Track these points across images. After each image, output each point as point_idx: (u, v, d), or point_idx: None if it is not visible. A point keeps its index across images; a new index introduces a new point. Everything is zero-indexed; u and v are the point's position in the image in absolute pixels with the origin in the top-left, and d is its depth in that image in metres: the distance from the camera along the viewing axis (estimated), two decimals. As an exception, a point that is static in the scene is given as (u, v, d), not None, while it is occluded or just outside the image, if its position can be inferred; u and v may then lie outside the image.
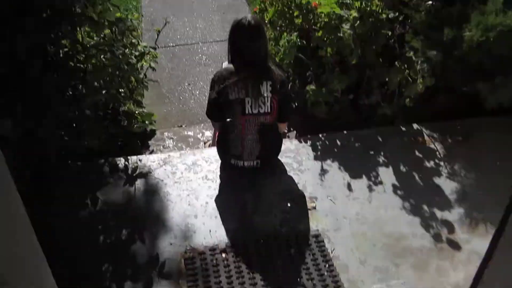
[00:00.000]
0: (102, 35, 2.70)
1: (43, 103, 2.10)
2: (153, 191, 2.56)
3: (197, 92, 4.19)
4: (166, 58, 4.79)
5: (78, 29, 2.36)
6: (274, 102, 2.34)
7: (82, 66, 2.38)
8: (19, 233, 1.01)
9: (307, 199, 2.46)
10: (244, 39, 2.34)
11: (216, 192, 2.53)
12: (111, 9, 2.68)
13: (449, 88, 3.40)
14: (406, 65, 3.06)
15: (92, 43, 2.53)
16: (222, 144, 2.57)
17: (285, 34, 3.33)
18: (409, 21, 3.10)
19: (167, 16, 5.80)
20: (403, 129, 3.10)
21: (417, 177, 2.62)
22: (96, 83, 2.50)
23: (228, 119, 2.39)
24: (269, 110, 2.34)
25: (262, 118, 2.35)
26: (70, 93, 2.41)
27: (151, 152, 3.19)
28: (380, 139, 2.99)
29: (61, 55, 2.21)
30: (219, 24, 5.68)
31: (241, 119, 2.36)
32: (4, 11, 1.79)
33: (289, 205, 2.42)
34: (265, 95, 2.30)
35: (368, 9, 2.99)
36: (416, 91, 3.03)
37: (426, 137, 3.01)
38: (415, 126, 3.13)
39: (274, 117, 2.39)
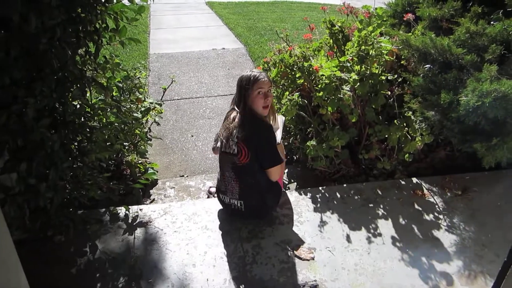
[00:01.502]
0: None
1: (47, 160, 2.15)
2: (152, 240, 2.56)
3: (200, 144, 4.27)
4: (171, 111, 4.93)
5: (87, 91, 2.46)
6: (241, 147, 2.53)
7: (88, 123, 2.45)
8: None
9: (305, 249, 2.45)
10: (241, 89, 2.61)
11: (216, 241, 2.53)
12: (120, 73, 2.83)
13: (448, 144, 3.47)
14: (405, 124, 3.15)
15: (99, 103, 2.62)
16: (218, 179, 2.79)
17: (287, 93, 3.45)
18: (407, 83, 3.21)
19: (174, 72, 6.06)
20: (403, 182, 3.14)
21: (416, 230, 2.62)
22: (101, 140, 2.56)
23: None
24: (235, 153, 2.55)
25: (233, 158, 2.56)
26: (75, 148, 2.46)
27: (152, 201, 3.21)
28: (379, 192, 3.02)
29: (69, 114, 2.28)
30: (224, 79, 5.87)
31: (221, 154, 2.65)
32: (19, 74, 1.88)
33: (289, 254, 2.41)
34: (233, 139, 2.55)
35: (368, 72, 3.10)
36: (415, 148, 3.10)
37: (425, 191, 3.03)
38: (414, 180, 3.17)
39: (244, 161, 2.54)
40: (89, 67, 2.52)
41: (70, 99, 2.32)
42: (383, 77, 3.20)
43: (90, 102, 2.49)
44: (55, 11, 1.95)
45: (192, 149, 4.17)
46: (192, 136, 4.43)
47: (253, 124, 2.55)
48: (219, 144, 2.67)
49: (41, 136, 2.03)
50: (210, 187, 3.35)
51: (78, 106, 2.40)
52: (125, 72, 3.24)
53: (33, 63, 1.98)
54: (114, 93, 3.05)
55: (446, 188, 3.05)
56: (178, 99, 5.24)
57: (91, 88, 2.38)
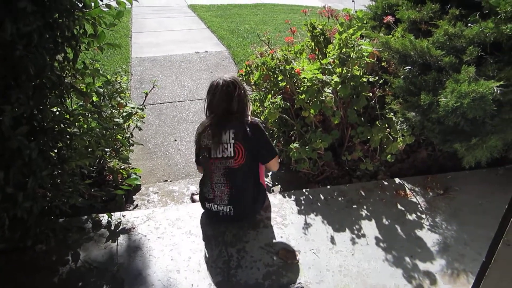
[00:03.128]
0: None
1: (25, 169, 2.11)
2: (135, 247, 2.53)
3: (183, 148, 4.25)
4: (154, 115, 4.90)
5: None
6: (238, 147, 2.54)
7: (68, 129, 2.41)
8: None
9: (290, 252, 2.45)
10: (209, 96, 2.65)
11: (200, 246, 2.52)
12: (100, 78, 2.80)
13: (429, 144, 3.51)
14: (386, 125, 3.18)
15: (79, 109, 2.58)
16: (200, 188, 2.74)
17: (269, 96, 3.45)
18: (388, 84, 3.25)
19: (156, 75, 6.02)
20: (385, 183, 3.17)
21: (399, 230, 2.64)
22: (81, 147, 2.52)
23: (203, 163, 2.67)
24: (232, 155, 2.54)
25: (227, 162, 2.55)
26: (55, 156, 2.42)
27: (135, 207, 3.18)
28: (362, 193, 3.03)
29: (47, 121, 2.24)
30: (206, 82, 5.85)
31: (209, 162, 2.59)
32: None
33: (274, 257, 2.41)
34: (227, 141, 2.54)
35: (349, 74, 3.12)
36: (397, 149, 3.13)
37: (408, 191, 3.06)
38: (397, 180, 3.20)
39: (239, 162, 2.55)
40: (68, 73, 2.48)
41: (48, 106, 2.27)
42: (365, 79, 3.23)
43: (69, 109, 2.45)
44: (31, 17, 1.91)
45: (175, 153, 4.15)
46: (175, 140, 4.40)
47: (247, 123, 2.57)
48: (206, 153, 2.60)
49: (18, 144, 1.99)
50: (193, 194, 3.33)
51: (57, 113, 2.35)
52: (105, 78, 3.21)
53: (9, 70, 1.94)
54: (94, 98, 3.01)
55: (428, 187, 3.09)
56: (160, 103, 5.21)
57: (71, 94, 2.34)
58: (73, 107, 2.53)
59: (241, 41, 7.51)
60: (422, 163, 3.60)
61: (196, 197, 3.19)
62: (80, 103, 2.65)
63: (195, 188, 3.41)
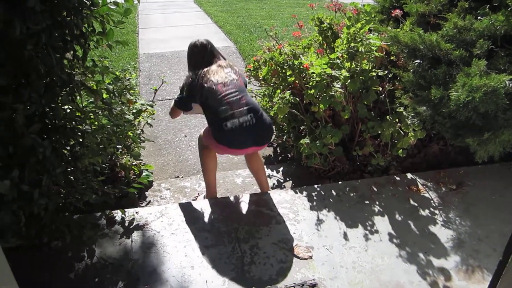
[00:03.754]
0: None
1: (39, 167, 2.13)
2: (149, 243, 2.55)
3: (194, 143, 4.26)
4: (163, 111, 4.91)
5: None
6: (236, 75, 2.93)
7: (80, 127, 2.43)
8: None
9: (303, 248, 2.46)
10: (197, 56, 2.99)
11: (213, 242, 2.53)
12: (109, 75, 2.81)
13: (441, 138, 3.50)
14: (397, 119, 3.17)
15: (90, 106, 2.60)
16: (215, 119, 2.80)
17: (278, 91, 3.45)
18: (398, 78, 3.23)
19: (164, 71, 6.03)
20: (397, 178, 3.16)
21: (412, 226, 2.64)
22: (93, 144, 2.54)
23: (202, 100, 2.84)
24: (237, 77, 2.89)
25: (235, 81, 2.85)
26: (68, 153, 2.44)
27: (148, 204, 3.20)
28: (375, 188, 3.04)
29: (59, 119, 2.26)
30: (214, 78, 5.85)
31: (220, 89, 2.78)
32: (5, 82, 1.85)
33: (287, 253, 2.42)
34: (228, 72, 2.90)
35: (358, 69, 3.11)
36: (408, 144, 3.12)
37: (420, 186, 3.06)
38: (409, 175, 3.19)
39: (241, 82, 2.92)
40: (78, 70, 2.49)
41: (60, 104, 2.29)
42: (374, 73, 3.22)
43: (80, 106, 2.47)
44: (40, 16, 1.91)
45: (186, 149, 4.16)
46: (186, 136, 4.42)
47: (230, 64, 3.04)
48: (215, 80, 2.81)
49: (32, 142, 2.01)
50: (197, 196, 3.34)
51: (68, 110, 2.37)
52: (114, 75, 3.22)
53: (20, 69, 1.96)
54: (104, 95, 3.02)
55: (441, 183, 3.08)
56: (170, 99, 5.22)
57: (81, 92, 2.36)
58: (83, 105, 2.54)
59: (248, 36, 7.50)
60: (434, 157, 3.59)
61: (201, 197, 3.24)
62: (91, 100, 2.67)
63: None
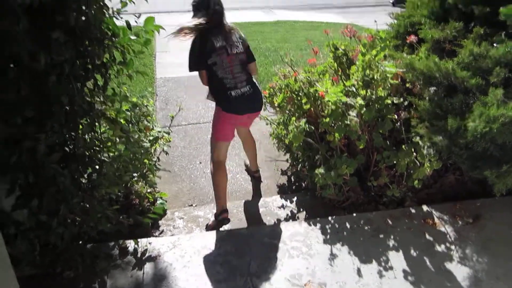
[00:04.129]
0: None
1: (58, 196, 2.16)
2: (161, 275, 2.54)
3: (208, 171, 4.26)
4: (179, 137, 4.94)
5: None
6: (242, 45, 3.29)
7: (98, 155, 2.45)
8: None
9: (316, 285, 2.42)
10: (207, 8, 3.18)
11: (225, 276, 2.51)
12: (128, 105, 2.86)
13: (458, 168, 3.44)
14: (413, 149, 3.12)
15: (108, 133, 2.63)
16: (219, 86, 3.26)
17: (293, 118, 3.45)
18: (414, 106, 3.20)
19: (181, 96, 6.09)
20: (413, 211, 3.11)
21: (428, 262, 2.58)
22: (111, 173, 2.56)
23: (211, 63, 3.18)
24: (242, 51, 3.27)
25: (240, 55, 3.25)
26: (85, 182, 2.47)
27: (161, 233, 3.20)
28: (389, 221, 2.99)
29: (79, 147, 2.29)
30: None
31: (228, 58, 3.19)
32: (30, 113, 1.89)
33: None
34: (237, 41, 3.25)
35: (374, 97, 3.10)
36: (424, 174, 3.07)
37: (436, 219, 3.00)
38: (424, 208, 3.14)
39: (245, 55, 3.31)
40: (98, 99, 2.53)
41: (80, 133, 2.33)
42: (389, 101, 3.20)
43: (99, 136, 2.50)
44: (63, 47, 1.96)
45: (200, 177, 4.17)
46: (200, 163, 4.43)
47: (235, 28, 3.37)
48: (223, 52, 3.17)
49: (53, 172, 2.04)
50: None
51: (88, 139, 2.40)
52: (133, 99, 3.27)
53: (43, 99, 1.99)
54: (122, 121, 3.06)
55: (457, 216, 3.02)
56: (185, 124, 5.26)
57: (101, 121, 2.40)
58: (101, 131, 2.57)
59: (263, 60, 7.55)
60: (450, 188, 3.52)
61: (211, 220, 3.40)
62: (108, 127, 2.70)
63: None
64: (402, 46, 3.97)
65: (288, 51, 8.10)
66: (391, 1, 12.49)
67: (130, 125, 3.12)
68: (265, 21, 11.66)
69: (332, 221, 3.00)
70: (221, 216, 3.21)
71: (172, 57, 7.90)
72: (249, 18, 11.76)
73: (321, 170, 3.15)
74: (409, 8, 4.12)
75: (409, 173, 3.21)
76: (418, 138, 3.16)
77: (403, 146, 3.19)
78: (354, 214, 3.10)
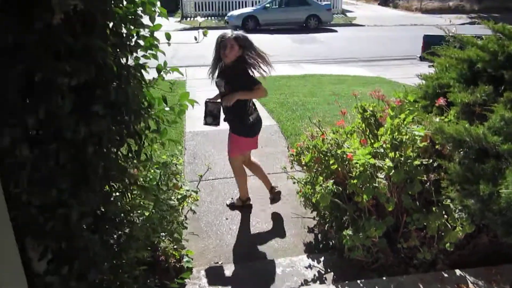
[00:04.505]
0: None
1: (89, 262, 2.20)
2: None
3: (235, 227, 4.27)
4: (206, 192, 4.98)
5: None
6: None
7: (128, 217, 2.51)
8: None
9: None
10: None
11: None
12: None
13: (492, 230, 3.34)
14: (444, 211, 3.07)
15: (138, 197, 2.69)
16: (243, 114, 4.10)
17: (320, 178, 3.47)
18: (444, 168, 3.17)
19: (208, 150, 6.20)
20: (446, 275, 3.02)
21: (463, 334, 2.48)
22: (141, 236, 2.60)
23: None
24: None
25: None
26: (114, 244, 2.51)
27: (188, 293, 3.18)
28: (421, 286, 2.90)
29: (110, 212, 2.35)
30: (257, 157, 5.85)
31: None
32: (66, 184, 1.97)
33: None
34: None
35: (402, 159, 3.10)
36: (456, 238, 3.00)
37: (470, 285, 2.90)
38: (457, 272, 3.04)
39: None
40: (131, 164, 2.61)
41: (113, 199, 2.39)
42: (418, 162, 3.19)
43: (129, 200, 2.56)
44: (102, 119, 2.06)
45: (226, 233, 4.17)
46: (227, 219, 4.45)
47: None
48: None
49: (85, 241, 2.09)
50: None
51: (119, 204, 2.47)
52: (163, 157, 3.36)
53: (79, 169, 2.08)
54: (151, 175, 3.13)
55: (493, 281, 2.92)
56: (212, 179, 5.32)
57: (133, 188, 2.46)
58: (132, 197, 2.63)
59: (290, 114, 7.67)
60: (484, 249, 3.41)
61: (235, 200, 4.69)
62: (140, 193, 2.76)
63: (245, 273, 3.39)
64: (431, 107, 4.00)
65: (315, 105, 8.23)
66: (419, 56, 12.60)
67: (159, 184, 3.19)
68: (293, 74, 11.91)
69: (361, 285, 2.93)
70: (248, 202, 4.63)
71: (201, 111, 8.12)
72: (278, 72, 11.93)
73: (349, 232, 3.12)
74: (437, 69, 4.18)
75: (440, 235, 3.14)
76: (448, 201, 3.11)
77: (434, 208, 3.14)
78: (384, 278, 3.03)
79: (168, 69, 2.33)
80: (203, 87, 10.52)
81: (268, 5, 22.08)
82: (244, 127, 4.11)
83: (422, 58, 13.27)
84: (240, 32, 3.97)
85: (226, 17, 22.40)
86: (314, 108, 8.01)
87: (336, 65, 14.02)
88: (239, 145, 4.25)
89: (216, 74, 4.10)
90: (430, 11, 29.26)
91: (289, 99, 8.89)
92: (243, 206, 4.60)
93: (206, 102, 4.14)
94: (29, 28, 1.50)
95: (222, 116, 4.18)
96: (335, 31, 21.91)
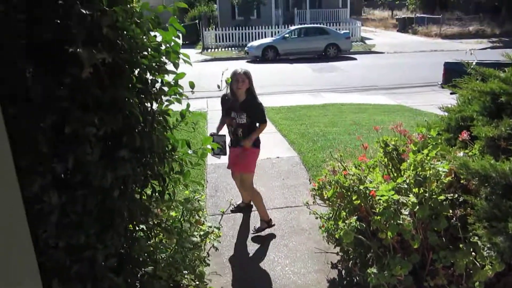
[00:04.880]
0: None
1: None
2: None
3: (257, 262, 4.24)
4: (227, 226, 4.97)
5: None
6: None
7: (151, 256, 2.53)
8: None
9: None
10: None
11: None
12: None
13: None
14: (471, 249, 3.00)
15: (161, 236, 2.72)
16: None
17: (343, 213, 3.44)
18: (470, 203, 3.11)
19: (230, 183, 6.21)
20: (476, 316, 2.91)
21: None
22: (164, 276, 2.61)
23: None
24: None
25: None
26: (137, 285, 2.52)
27: (210, 333, 3.15)
28: (450, 328, 2.81)
29: (134, 252, 2.37)
30: (279, 190, 5.94)
31: None
32: (93, 229, 2.01)
33: None
34: None
35: (427, 194, 3.06)
36: (485, 277, 2.91)
37: (502, 327, 2.79)
38: (488, 313, 2.94)
39: None
40: (154, 204, 2.65)
41: (137, 240, 2.42)
42: (443, 197, 3.13)
43: (153, 241, 2.59)
44: (128, 163, 2.11)
45: (249, 269, 4.14)
46: (249, 253, 4.42)
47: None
48: None
49: (110, 282, 2.11)
50: None
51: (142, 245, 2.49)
52: (186, 192, 3.38)
53: (105, 213, 2.11)
54: (173, 213, 3.15)
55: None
56: (232, 213, 5.31)
57: (157, 231, 2.49)
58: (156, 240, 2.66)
59: (311, 145, 7.66)
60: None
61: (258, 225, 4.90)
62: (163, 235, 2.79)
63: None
64: (454, 140, 3.95)
65: (336, 136, 8.21)
66: (439, 83, 12.55)
67: (182, 221, 3.22)
68: (313, 104, 11.96)
69: (388, 328, 2.85)
70: (271, 223, 4.87)
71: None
72: (298, 101, 12.11)
73: (373, 270, 3.06)
74: (459, 101, 4.16)
75: (469, 273, 3.05)
76: (476, 238, 3.04)
77: (461, 246, 3.06)
78: (412, 320, 2.94)
79: (190, 114, 2.37)
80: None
81: (287, 35, 22.42)
82: (258, 139, 4.76)
83: (443, 86, 13.22)
84: (245, 68, 4.64)
85: (246, 48, 22.80)
86: (335, 139, 7.99)
87: (356, 93, 14.04)
88: (255, 157, 4.85)
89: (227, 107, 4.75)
90: (450, 37, 29.21)
91: (309, 129, 8.90)
92: (269, 226, 4.87)
93: (212, 135, 4.52)
94: (59, 81, 1.56)
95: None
96: (355, 59, 22.03)
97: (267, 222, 4.85)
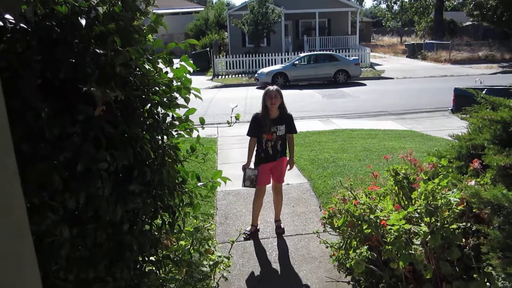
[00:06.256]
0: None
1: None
2: None
3: (267, 293, 4.19)
4: (237, 254, 4.94)
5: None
6: None
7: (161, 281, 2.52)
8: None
9: None
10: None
11: None
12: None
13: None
14: (486, 279, 2.95)
15: (170, 266, 2.72)
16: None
17: (354, 242, 3.41)
18: (483, 232, 3.07)
19: (240, 210, 6.21)
20: None
21: None
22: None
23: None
24: None
25: None
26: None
27: None
28: None
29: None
30: (288, 217, 5.91)
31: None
32: (102, 267, 2.02)
33: None
34: None
35: (438, 224, 3.03)
36: (502, 310, 2.85)
37: None
38: None
39: None
40: (164, 236, 2.66)
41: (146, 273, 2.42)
42: (455, 226, 3.10)
43: (162, 273, 2.58)
44: (138, 197, 2.13)
45: (259, 300, 4.09)
46: (259, 283, 4.38)
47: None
48: None
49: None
50: None
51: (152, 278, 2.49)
52: (195, 221, 3.38)
53: (115, 247, 2.12)
54: (183, 243, 3.14)
55: None
56: (244, 240, 5.28)
57: (166, 264, 2.49)
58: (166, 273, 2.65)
59: (321, 172, 7.64)
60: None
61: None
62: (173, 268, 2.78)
63: None
64: (465, 168, 3.93)
65: (346, 162, 8.19)
66: (450, 108, 12.53)
67: (191, 250, 3.20)
68: (323, 130, 11.98)
69: None
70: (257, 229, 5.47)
71: (233, 169, 8.19)
72: (308, 127, 12.13)
73: (386, 302, 3.01)
74: (470, 129, 4.15)
75: (485, 304, 2.99)
76: (490, 268, 2.99)
77: (475, 275, 3.01)
78: None
79: (200, 147, 2.40)
80: (233, 144, 10.74)
81: (297, 62, 22.65)
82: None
83: (453, 111, 13.20)
84: (275, 86, 5.26)
85: (256, 75, 23.05)
86: (346, 165, 7.96)
87: (366, 119, 14.05)
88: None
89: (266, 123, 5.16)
90: (459, 62, 29.28)
91: (320, 155, 8.89)
92: (254, 230, 5.54)
93: (244, 168, 5.14)
94: (72, 119, 1.60)
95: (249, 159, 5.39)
96: (364, 84, 22.12)
97: (254, 226, 5.50)
